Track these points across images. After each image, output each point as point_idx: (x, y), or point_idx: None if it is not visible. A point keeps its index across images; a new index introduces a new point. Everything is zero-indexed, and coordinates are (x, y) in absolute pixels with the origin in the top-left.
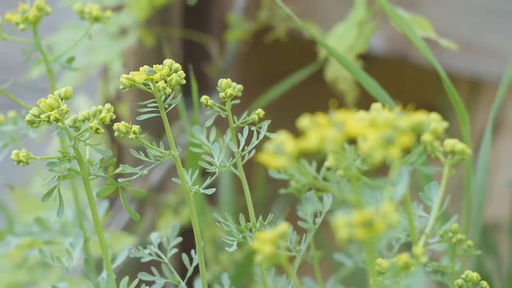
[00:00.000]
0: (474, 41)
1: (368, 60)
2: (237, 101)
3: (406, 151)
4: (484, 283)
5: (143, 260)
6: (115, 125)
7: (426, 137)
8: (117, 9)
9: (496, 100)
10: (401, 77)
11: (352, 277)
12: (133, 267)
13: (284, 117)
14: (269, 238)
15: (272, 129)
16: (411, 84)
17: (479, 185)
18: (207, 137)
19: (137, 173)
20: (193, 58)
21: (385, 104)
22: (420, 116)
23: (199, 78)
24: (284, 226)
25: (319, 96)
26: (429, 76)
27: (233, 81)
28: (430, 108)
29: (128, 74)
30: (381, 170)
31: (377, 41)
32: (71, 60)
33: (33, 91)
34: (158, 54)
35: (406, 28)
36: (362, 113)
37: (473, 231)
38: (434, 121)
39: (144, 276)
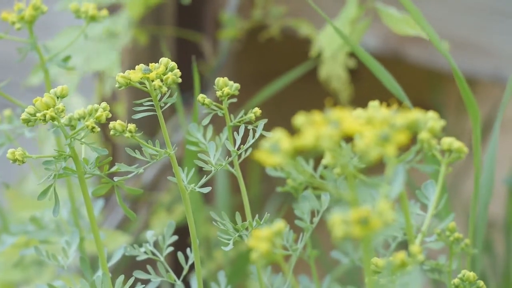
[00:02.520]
0: (470, 40)
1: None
2: (234, 100)
3: (404, 149)
4: (481, 282)
5: (138, 258)
6: (111, 124)
7: (423, 135)
8: (112, 9)
9: (504, 99)
10: (395, 76)
11: (347, 276)
12: (127, 265)
13: (277, 116)
14: (265, 236)
15: (266, 128)
16: (404, 82)
17: (485, 183)
18: (204, 135)
19: (133, 172)
20: (187, 56)
21: (395, 95)
22: (416, 114)
23: (193, 77)
24: (280, 224)
25: (313, 95)
26: (423, 74)
27: (227, 77)
28: (423, 107)
29: (122, 72)
30: (379, 167)
31: (372, 40)
32: (67, 59)
33: (32, 90)
34: (151, 53)
35: (427, 28)
36: (358, 111)
37: (479, 229)
38: (431, 119)
39: (139, 274)
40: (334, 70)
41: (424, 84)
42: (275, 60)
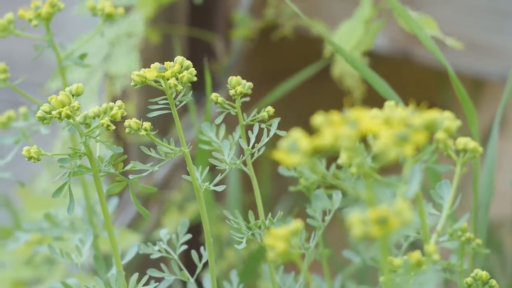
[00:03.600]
0: (477, 41)
1: (373, 59)
2: (247, 99)
3: (418, 149)
4: (493, 281)
5: (152, 256)
6: (126, 122)
7: (440, 135)
8: (125, 8)
9: (503, 99)
10: (404, 76)
11: (357, 275)
12: (138, 264)
13: (289, 115)
14: (282, 235)
15: (279, 127)
16: (413, 83)
17: (486, 184)
18: (216, 134)
19: (148, 170)
20: (199, 56)
21: (390, 98)
22: (434, 114)
23: (204, 76)
24: (297, 224)
25: (326, 93)
26: (431, 75)
27: (240, 76)
28: (432, 107)
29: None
30: (386, 168)
31: (381, 40)
32: (83, 56)
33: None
34: (163, 52)
35: (415, 27)
36: (375, 111)
37: (480, 230)
38: (447, 119)
39: (153, 272)
40: (348, 68)
41: (434, 84)
42: (288, 60)
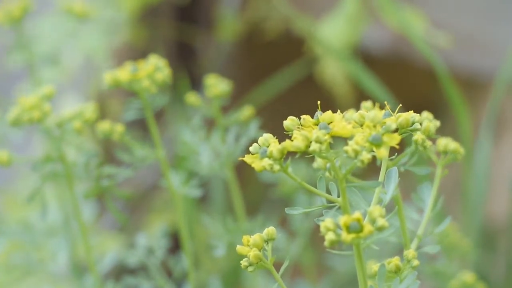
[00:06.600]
0: (473, 37)
1: (368, 60)
2: (224, 100)
3: (399, 151)
4: (480, 285)
5: (131, 261)
6: (99, 126)
7: (417, 136)
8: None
9: (494, 97)
10: (402, 76)
11: (349, 280)
12: (126, 269)
13: (280, 121)
14: (254, 242)
15: (271, 132)
16: (412, 83)
17: (478, 183)
18: (195, 136)
19: (126, 174)
20: (185, 56)
21: (380, 99)
22: (409, 115)
23: (193, 76)
24: (271, 230)
25: (316, 99)
26: (432, 74)
27: (226, 79)
28: (429, 107)
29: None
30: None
31: (376, 39)
32: (55, 58)
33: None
34: (150, 53)
35: (406, 26)
36: (351, 112)
37: (472, 230)
38: (426, 120)
39: (129, 279)
40: (333, 71)
41: (431, 84)
42: (276, 59)
